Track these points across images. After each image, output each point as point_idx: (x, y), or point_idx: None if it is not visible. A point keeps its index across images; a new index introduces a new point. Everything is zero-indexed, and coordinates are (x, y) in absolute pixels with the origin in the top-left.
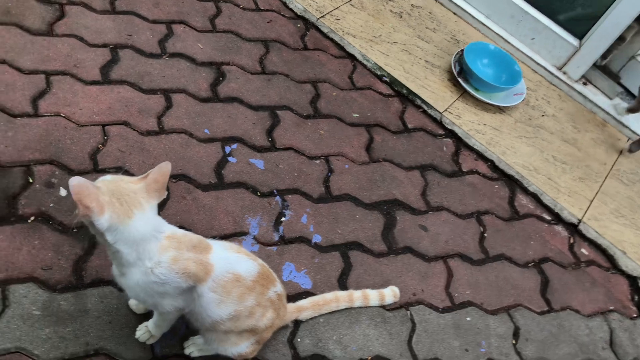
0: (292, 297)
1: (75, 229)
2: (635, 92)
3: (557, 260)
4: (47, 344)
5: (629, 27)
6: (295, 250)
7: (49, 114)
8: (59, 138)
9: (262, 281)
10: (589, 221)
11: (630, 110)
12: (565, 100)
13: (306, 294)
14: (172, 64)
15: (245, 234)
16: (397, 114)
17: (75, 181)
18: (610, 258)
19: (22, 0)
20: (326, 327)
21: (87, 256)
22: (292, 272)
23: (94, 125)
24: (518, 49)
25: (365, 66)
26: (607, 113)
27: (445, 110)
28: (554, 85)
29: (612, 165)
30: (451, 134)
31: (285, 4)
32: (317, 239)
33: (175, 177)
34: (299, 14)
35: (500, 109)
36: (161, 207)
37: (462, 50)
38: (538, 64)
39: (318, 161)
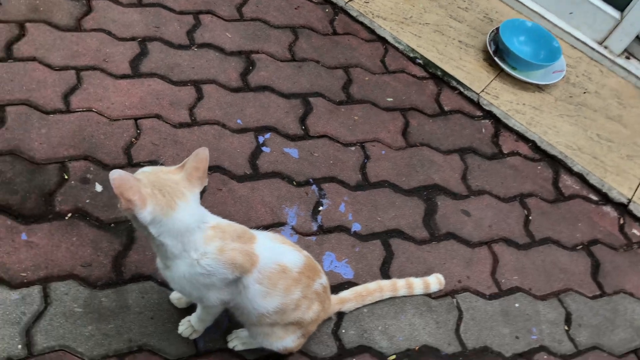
0: (334, 288)
1: (112, 224)
2: None
3: (607, 242)
4: (90, 341)
5: None
6: (334, 240)
7: (81, 109)
8: (92, 133)
9: (308, 273)
10: None
11: None
12: (607, 75)
13: (348, 284)
14: (201, 55)
15: (283, 224)
16: (432, 97)
17: (115, 174)
18: None
19: None
20: (371, 317)
21: (125, 251)
22: (332, 262)
23: (126, 119)
24: (555, 25)
25: (397, 49)
26: None
27: (482, 90)
28: (595, 60)
29: None
30: (489, 115)
31: None
32: (356, 227)
33: (210, 168)
34: None
35: (539, 88)
36: None
37: (497, 29)
38: (577, 39)
39: (353, 148)
